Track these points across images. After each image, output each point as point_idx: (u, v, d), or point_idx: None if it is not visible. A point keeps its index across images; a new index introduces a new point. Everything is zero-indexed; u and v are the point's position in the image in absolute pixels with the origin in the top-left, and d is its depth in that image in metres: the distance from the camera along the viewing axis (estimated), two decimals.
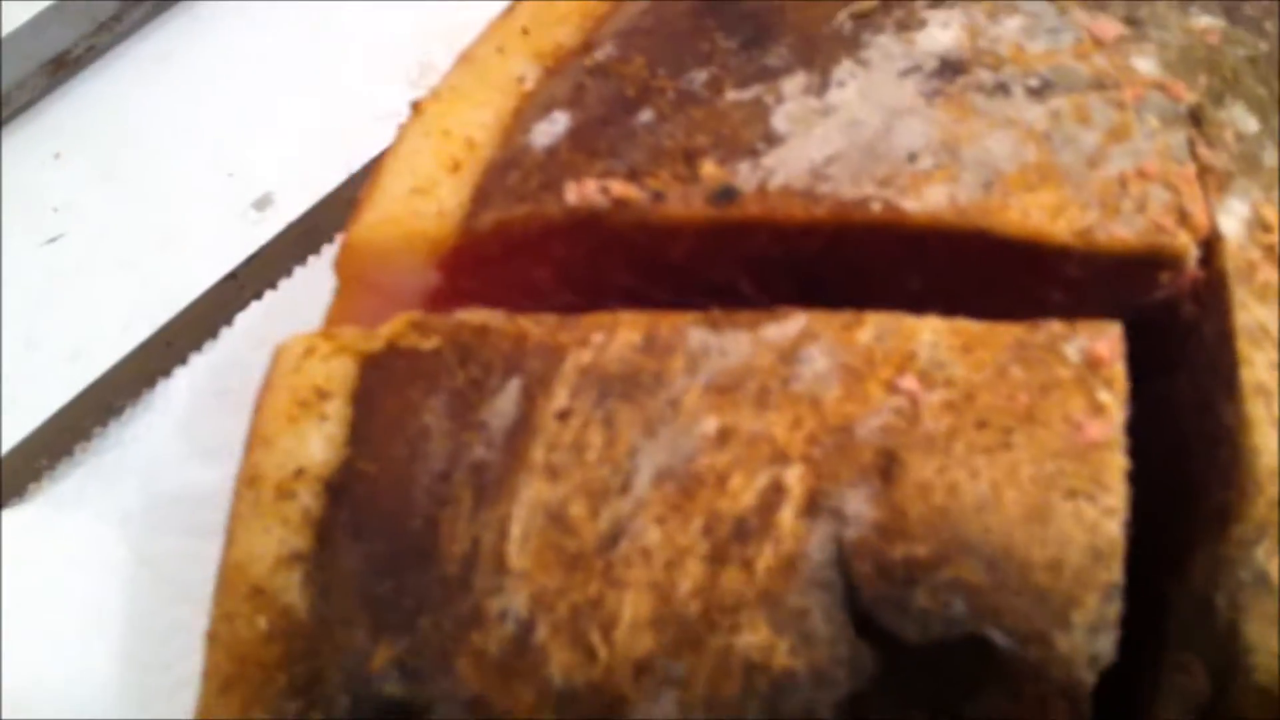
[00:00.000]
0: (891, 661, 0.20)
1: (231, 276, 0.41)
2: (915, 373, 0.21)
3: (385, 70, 0.45)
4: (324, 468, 0.24)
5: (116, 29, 0.47)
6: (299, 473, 0.24)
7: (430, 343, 0.24)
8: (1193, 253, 0.23)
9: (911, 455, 0.20)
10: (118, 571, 0.37)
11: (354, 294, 0.27)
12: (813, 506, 0.21)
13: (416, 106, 0.27)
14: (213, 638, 0.25)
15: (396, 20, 0.46)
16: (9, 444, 0.38)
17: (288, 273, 0.42)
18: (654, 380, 0.22)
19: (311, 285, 0.41)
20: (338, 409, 0.24)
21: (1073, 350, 0.21)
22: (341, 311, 0.27)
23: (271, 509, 0.24)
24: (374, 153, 0.41)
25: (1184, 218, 0.23)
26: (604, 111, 0.26)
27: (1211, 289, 0.23)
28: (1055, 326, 0.22)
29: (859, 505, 0.20)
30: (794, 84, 0.26)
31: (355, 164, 0.42)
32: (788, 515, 0.21)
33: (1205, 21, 0.26)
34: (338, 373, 0.24)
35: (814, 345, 0.22)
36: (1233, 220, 0.23)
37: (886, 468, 0.21)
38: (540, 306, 0.25)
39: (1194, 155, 0.24)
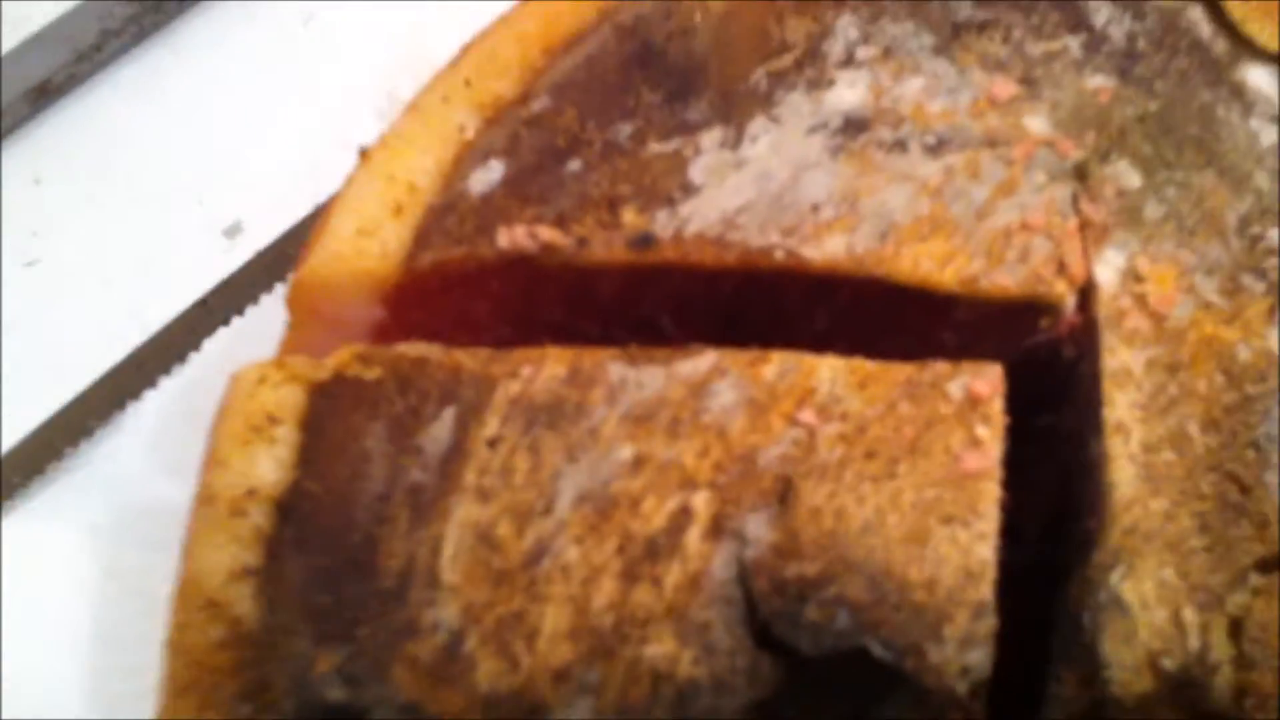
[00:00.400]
0: (794, 672, 0.22)
1: (202, 302, 0.42)
2: (814, 406, 0.23)
3: (354, 103, 0.46)
4: (274, 488, 0.26)
5: (96, 58, 0.47)
6: (251, 492, 0.26)
7: (373, 373, 0.25)
8: (1069, 300, 0.25)
9: (806, 482, 0.23)
10: (86, 582, 0.39)
11: (305, 327, 0.28)
12: (717, 529, 0.23)
13: (364, 154, 0.29)
14: (170, 646, 0.27)
15: (365, 54, 0.47)
16: None
17: (254, 300, 0.43)
18: (576, 410, 0.24)
19: (277, 312, 0.43)
20: (287, 433, 0.26)
21: (956, 388, 0.23)
22: (294, 342, 0.29)
23: (225, 526, 0.26)
24: (340, 184, 0.44)
25: (1062, 268, 0.25)
26: (536, 160, 0.28)
27: (1087, 333, 0.25)
28: (941, 367, 0.24)
29: (758, 528, 0.22)
30: (711, 138, 0.28)
31: (323, 194, 0.42)
32: (694, 536, 0.23)
33: (1098, 81, 0.28)
34: (288, 400, 0.26)
35: (722, 380, 0.24)
36: (1109, 270, 0.25)
37: (784, 493, 0.23)
38: (478, 339, 0.27)
39: (1077, 209, 0.26)
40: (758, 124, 0.28)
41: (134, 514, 0.39)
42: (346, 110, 0.45)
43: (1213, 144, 0.27)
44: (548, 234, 0.26)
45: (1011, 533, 0.23)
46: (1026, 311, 0.25)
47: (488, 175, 0.28)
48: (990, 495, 0.22)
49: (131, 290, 0.42)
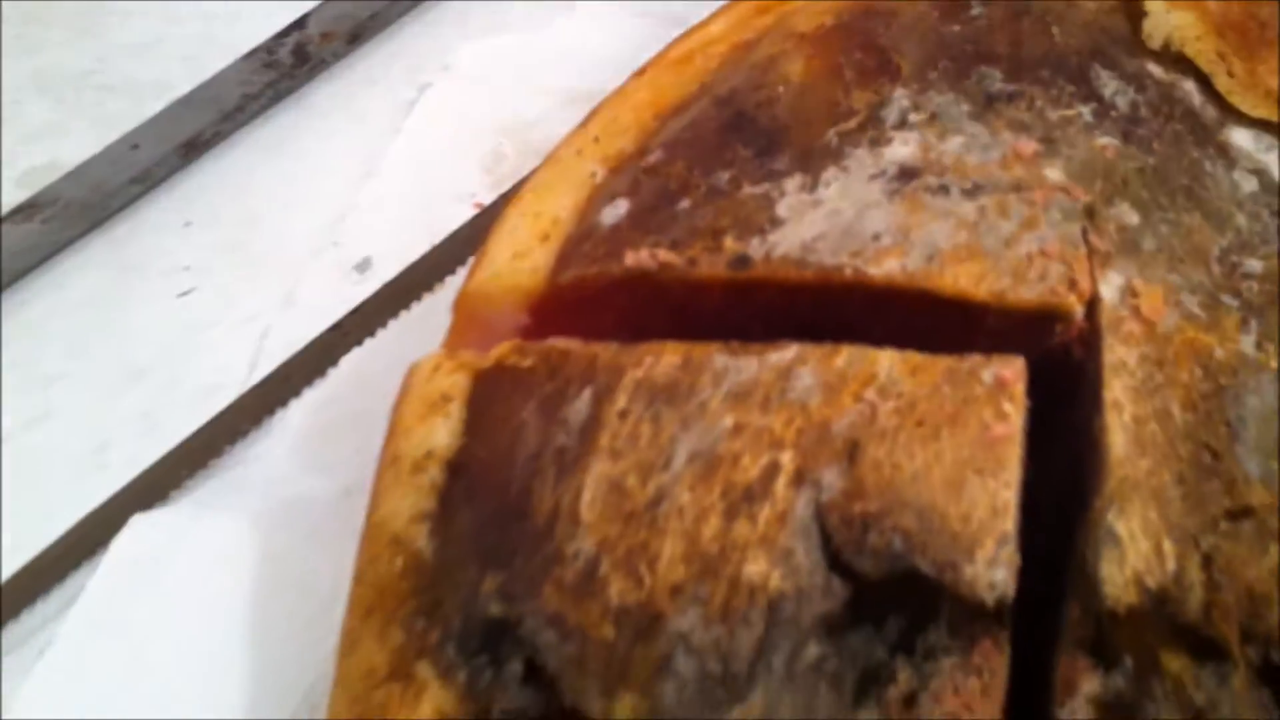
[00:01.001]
0: (858, 592, 0.29)
1: (336, 327, 0.47)
2: (875, 388, 0.30)
3: (464, 159, 0.52)
4: (447, 451, 0.32)
5: (239, 118, 0.53)
6: (429, 454, 0.32)
7: (528, 362, 0.32)
8: (1078, 310, 0.31)
9: (869, 444, 0.29)
10: (243, 564, 0.45)
11: (465, 330, 0.36)
12: (799, 478, 0.29)
13: (515, 196, 0.37)
14: (358, 577, 0.33)
15: (472, 118, 0.53)
16: (156, 457, 0.45)
17: (383, 324, 0.50)
18: (689, 390, 0.31)
19: (403, 335, 0.49)
20: (457, 409, 0.33)
21: (987, 375, 0.30)
22: (455, 342, 0.36)
23: (408, 481, 0.32)
24: (454, 226, 0.48)
25: (1073, 285, 0.32)
26: (654, 200, 0.35)
27: (1092, 337, 0.31)
28: (975, 358, 0.30)
29: (831, 478, 0.29)
30: (793, 183, 0.35)
31: (439, 236, 0.48)
32: (781, 484, 0.29)
33: (1105, 141, 0.35)
34: (458, 383, 0.33)
35: (803, 367, 0.30)
36: (1111, 289, 0.32)
37: (852, 452, 0.29)
38: (605, 340, 0.33)
39: (1086, 241, 0.32)
40: (830, 173, 0.35)
41: (282, 504, 0.44)
42: (458, 165, 0.52)
43: (1200, 191, 0.34)
44: (665, 255, 0.33)
45: (1032, 510, 0.30)
46: (1044, 319, 0.31)
47: (615, 211, 0.35)
48: (1013, 455, 0.29)
49: (275, 318, 0.48)
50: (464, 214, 0.49)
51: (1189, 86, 0.36)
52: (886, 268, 0.32)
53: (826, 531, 0.29)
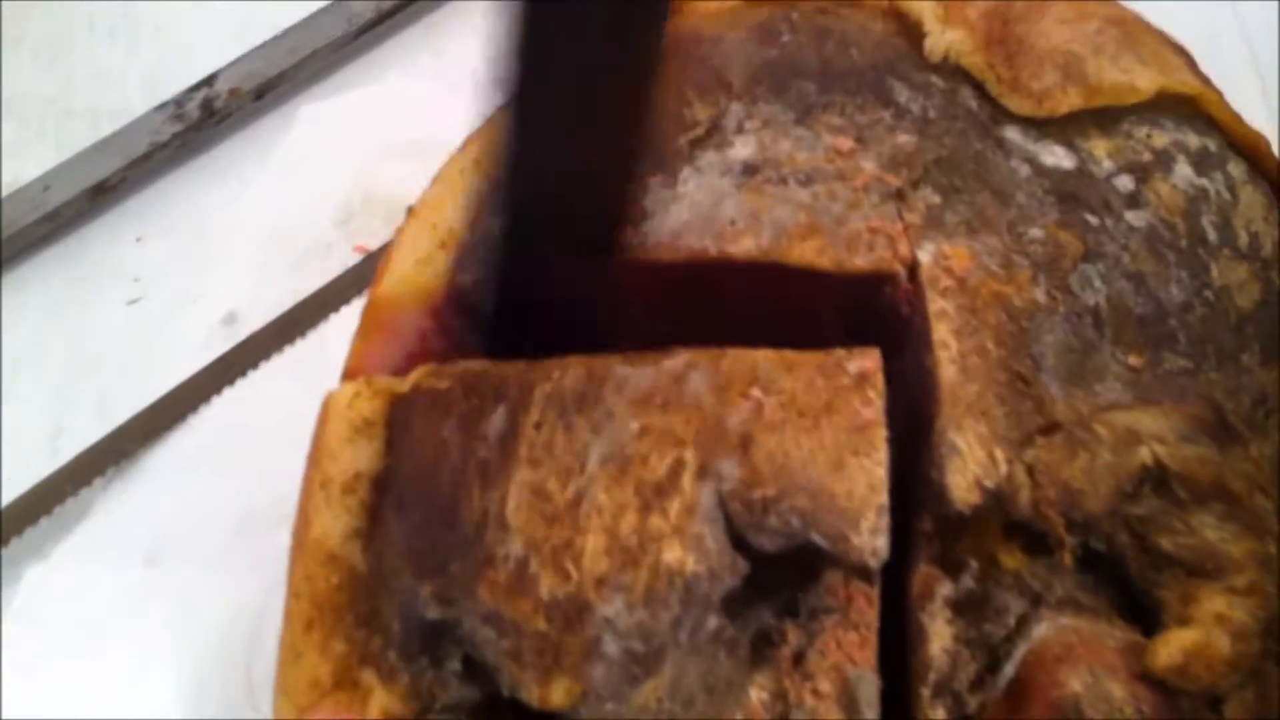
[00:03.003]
0: (756, 566, 0.33)
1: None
2: (759, 385, 0.34)
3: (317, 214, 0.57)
4: (373, 470, 0.35)
5: (145, 165, 0.58)
6: (357, 475, 0.35)
7: (444, 384, 0.35)
8: (903, 273, 0.37)
9: (760, 436, 0.33)
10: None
11: (371, 335, 0.39)
12: (702, 472, 0.33)
13: (411, 210, 0.40)
14: (295, 593, 0.36)
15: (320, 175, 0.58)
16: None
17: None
18: (595, 399, 0.34)
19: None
20: (379, 431, 0.36)
21: (852, 367, 0.34)
22: (361, 350, 0.39)
23: (339, 502, 0.35)
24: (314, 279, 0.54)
25: (896, 253, 0.37)
26: None
27: (915, 295, 0.37)
28: (839, 352, 0.35)
29: (730, 469, 0.33)
30: (655, 181, 0.40)
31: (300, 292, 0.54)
32: (687, 479, 0.33)
33: (905, 138, 0.40)
34: (378, 407, 0.36)
35: (694, 371, 0.34)
36: (926, 254, 0.37)
37: (745, 445, 0.33)
38: None
39: (901, 218, 0.38)
40: (685, 172, 0.40)
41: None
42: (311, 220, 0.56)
43: (986, 176, 0.40)
44: None
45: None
46: (877, 282, 0.37)
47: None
48: (880, 436, 0.33)
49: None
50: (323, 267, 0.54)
51: (967, 92, 0.42)
52: (744, 246, 0.38)
53: (729, 516, 0.33)
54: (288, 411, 0.49)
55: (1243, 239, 0.42)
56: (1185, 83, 0.42)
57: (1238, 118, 0.42)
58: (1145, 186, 0.41)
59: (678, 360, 0.35)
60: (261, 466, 0.47)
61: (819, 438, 0.33)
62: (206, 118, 0.57)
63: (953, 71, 0.42)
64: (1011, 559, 0.35)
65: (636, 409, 0.34)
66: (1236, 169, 0.42)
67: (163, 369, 0.51)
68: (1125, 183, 0.41)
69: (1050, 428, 0.35)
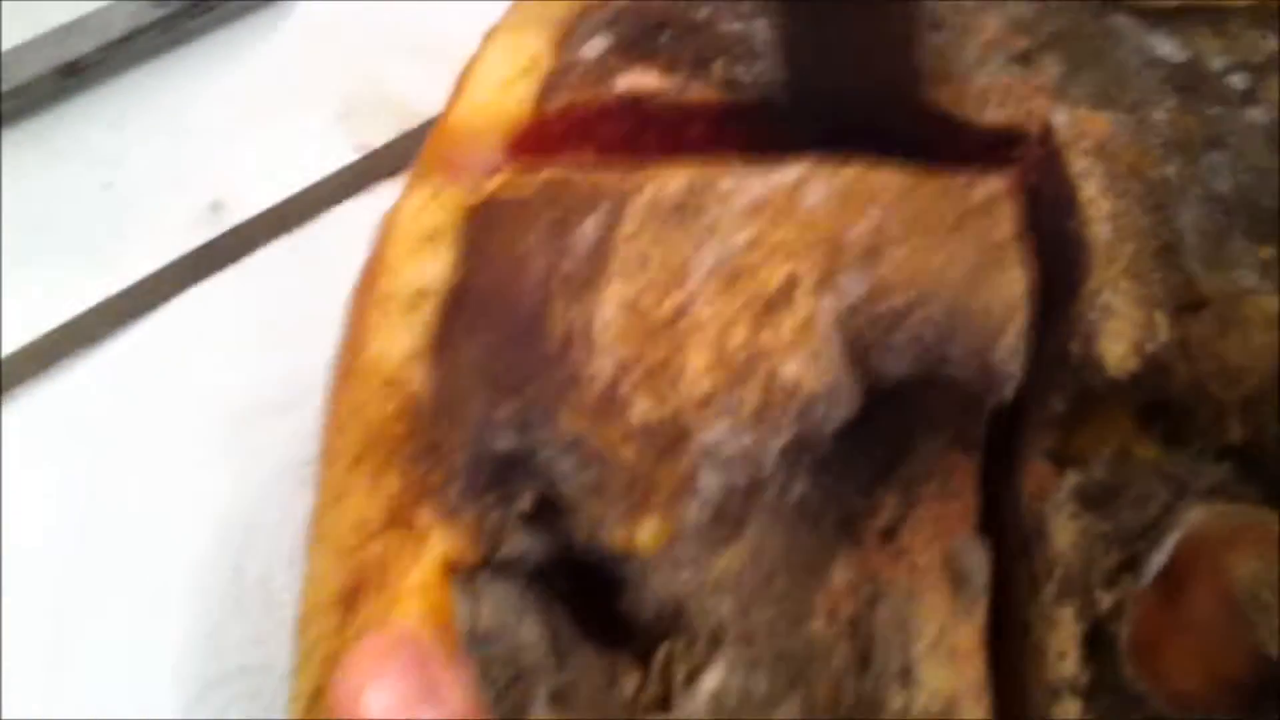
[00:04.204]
0: (872, 395, 0.29)
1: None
2: (880, 202, 0.31)
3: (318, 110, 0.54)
4: (442, 286, 0.31)
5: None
6: (422, 291, 0.31)
7: (526, 192, 0.32)
8: (1037, 132, 0.34)
9: (887, 248, 0.30)
10: None
11: (430, 174, 0.35)
12: (821, 286, 0.29)
13: (488, 35, 0.36)
14: (339, 427, 0.32)
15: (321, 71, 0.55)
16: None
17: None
18: (697, 211, 0.31)
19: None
20: (450, 243, 0.32)
21: (980, 188, 0.31)
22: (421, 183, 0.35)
23: (400, 320, 0.31)
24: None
25: (1030, 112, 0.34)
26: (635, 34, 0.35)
27: (1047, 160, 0.33)
28: (965, 176, 0.31)
29: (852, 283, 0.29)
30: (762, 24, 0.35)
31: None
32: (802, 292, 0.29)
33: (1023, 6, 0.37)
34: (449, 218, 0.32)
35: (810, 183, 0.31)
36: (1060, 116, 0.34)
37: (870, 258, 0.30)
38: None
39: (1028, 81, 0.35)
40: None
41: None
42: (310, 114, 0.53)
43: (1104, 55, 0.36)
44: (657, 80, 0.33)
45: None
46: (1008, 141, 0.34)
47: (597, 44, 0.35)
48: (1016, 252, 0.30)
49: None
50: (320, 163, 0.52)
51: None
52: None
53: (850, 335, 0.29)
54: (276, 304, 0.47)
55: None
56: None
57: None
58: (1261, 85, 0.39)
59: (791, 170, 0.31)
60: (247, 358, 0.46)
61: (950, 252, 0.30)
62: (195, 3, 0.54)
63: None
64: (1146, 449, 0.32)
65: (744, 219, 0.30)
66: None
67: (140, 255, 0.48)
68: (1240, 80, 0.39)
69: (1199, 303, 0.32)
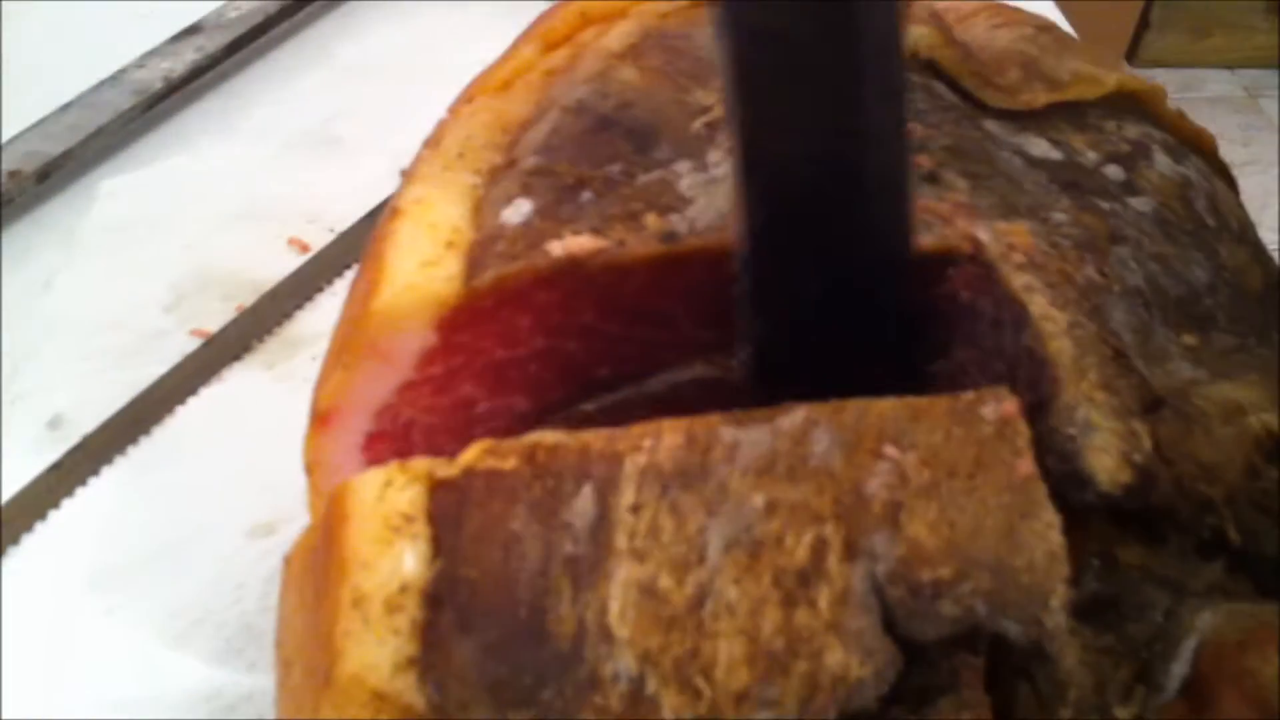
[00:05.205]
0: (912, 659, 0.28)
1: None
2: (891, 441, 0.29)
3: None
4: (422, 580, 0.28)
5: None
6: (403, 588, 0.27)
7: (507, 463, 0.28)
8: (968, 250, 0.33)
9: (913, 502, 0.28)
10: None
11: (356, 362, 0.31)
12: (850, 551, 0.27)
13: (396, 210, 0.33)
14: None
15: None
16: None
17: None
18: (702, 471, 0.28)
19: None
20: (423, 528, 0.28)
21: (988, 412, 0.29)
22: (342, 381, 0.31)
23: (382, 624, 0.27)
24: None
25: (958, 232, 0.34)
26: (555, 196, 0.33)
27: (978, 277, 0.33)
28: (968, 396, 0.30)
29: (884, 546, 0.27)
30: (683, 166, 0.34)
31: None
32: (833, 561, 0.27)
33: (911, 125, 0.36)
34: (418, 498, 0.28)
35: (817, 429, 0.29)
36: (984, 233, 0.34)
37: (895, 515, 0.28)
38: (518, 351, 0.32)
39: (942, 199, 0.35)
40: (713, 155, 0.35)
41: None
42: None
43: (992, 164, 0.37)
44: (591, 241, 0.32)
45: None
46: (939, 264, 0.33)
47: (518, 210, 0.33)
48: (1042, 491, 0.28)
49: None
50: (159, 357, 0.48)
51: (941, 87, 0.39)
52: None
53: (887, 603, 0.27)
54: (138, 525, 0.42)
55: (1234, 224, 0.41)
56: (1137, 79, 0.41)
57: (1181, 114, 0.42)
58: (1135, 175, 0.39)
59: (794, 417, 0.29)
60: (115, 595, 0.42)
61: (981, 499, 0.28)
62: None
63: (923, 66, 0.40)
64: (1129, 553, 0.31)
65: (756, 480, 0.28)
66: (1198, 161, 0.42)
67: None
68: (1115, 171, 0.40)
69: (1158, 403, 0.32)
